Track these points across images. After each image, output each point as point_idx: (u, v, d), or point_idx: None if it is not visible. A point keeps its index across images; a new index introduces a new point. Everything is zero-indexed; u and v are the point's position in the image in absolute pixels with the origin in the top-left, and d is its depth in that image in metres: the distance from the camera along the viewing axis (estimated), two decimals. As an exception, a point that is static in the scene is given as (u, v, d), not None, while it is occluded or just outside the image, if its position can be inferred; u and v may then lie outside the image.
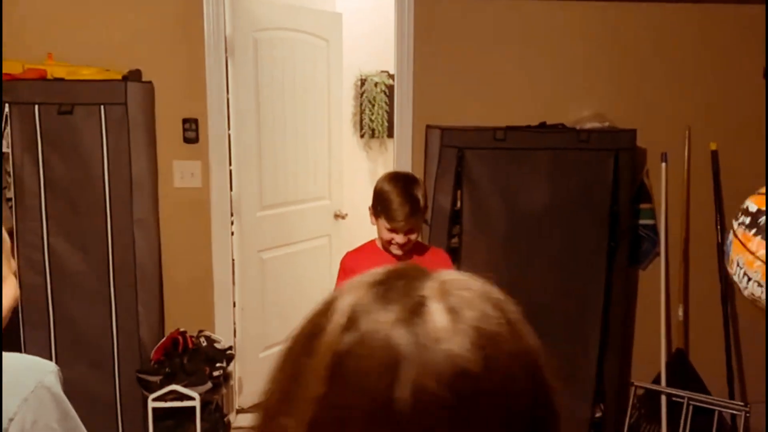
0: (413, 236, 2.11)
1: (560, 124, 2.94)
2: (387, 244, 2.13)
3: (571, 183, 2.80)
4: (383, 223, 2.09)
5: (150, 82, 2.86)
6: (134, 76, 2.72)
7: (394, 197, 2.06)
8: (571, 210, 2.80)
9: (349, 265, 2.19)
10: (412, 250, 2.17)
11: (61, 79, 2.54)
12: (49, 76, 2.56)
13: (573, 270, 2.84)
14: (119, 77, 2.64)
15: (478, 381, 0.43)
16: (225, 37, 2.98)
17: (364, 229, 3.75)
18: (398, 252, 2.13)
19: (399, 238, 2.09)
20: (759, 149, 3.22)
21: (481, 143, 2.77)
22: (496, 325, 0.47)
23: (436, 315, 0.46)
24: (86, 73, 2.59)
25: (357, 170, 4.65)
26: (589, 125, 2.89)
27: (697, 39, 3.13)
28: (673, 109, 3.14)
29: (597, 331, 2.87)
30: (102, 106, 2.50)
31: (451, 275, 0.52)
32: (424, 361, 0.43)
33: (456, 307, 0.47)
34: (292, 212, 3.54)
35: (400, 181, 2.12)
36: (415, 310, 0.46)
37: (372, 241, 2.26)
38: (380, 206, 2.10)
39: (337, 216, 3.78)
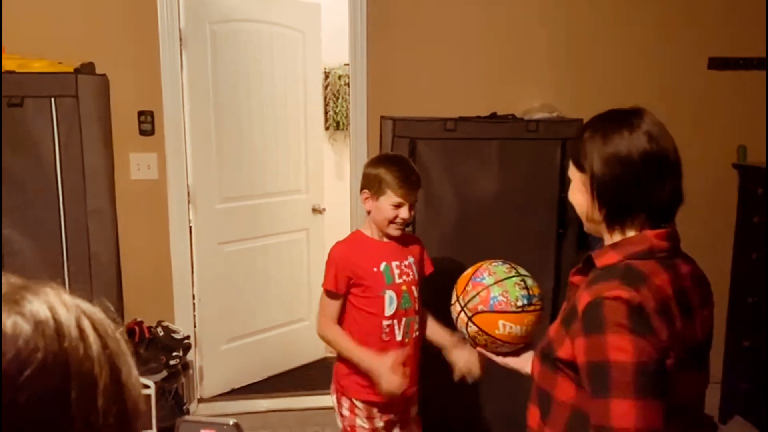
0: (412, 211, 2.13)
1: (510, 114, 3.01)
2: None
3: (521, 171, 2.87)
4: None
5: (104, 75, 2.88)
6: (87, 68, 2.73)
7: (399, 170, 2.06)
8: (520, 198, 2.87)
9: (340, 257, 2.14)
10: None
11: (12, 72, 2.55)
12: None
13: (523, 256, 2.88)
14: (71, 70, 2.65)
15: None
16: (180, 30, 3.01)
17: (340, 222, 3.80)
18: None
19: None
20: (704, 139, 3.32)
21: (432, 134, 2.83)
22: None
23: None
24: (37, 66, 2.60)
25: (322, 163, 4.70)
26: (538, 115, 2.96)
27: (644, 29, 3.22)
28: (621, 99, 3.19)
29: (547, 316, 2.94)
30: (53, 99, 2.52)
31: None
32: None
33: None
34: (262, 205, 3.56)
35: (396, 156, 2.16)
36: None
37: (357, 232, 2.22)
38: (383, 183, 2.06)
39: (315, 210, 3.81)
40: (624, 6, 3.20)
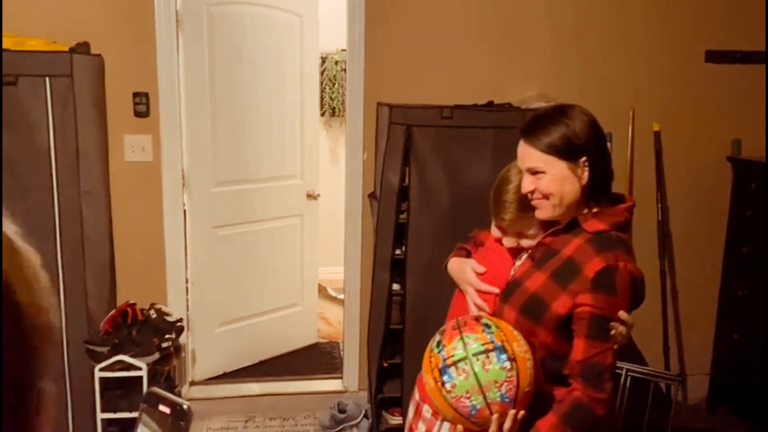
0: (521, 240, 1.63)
1: (507, 103, 3.00)
2: None
3: (515, 160, 2.86)
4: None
5: (99, 55, 2.85)
6: (82, 48, 2.71)
7: (492, 195, 1.70)
8: (515, 187, 2.87)
9: None
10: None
11: (6, 50, 2.52)
12: (-6, 47, 2.54)
13: (516, 245, 2.91)
14: (66, 49, 2.62)
15: None
16: (176, 11, 2.98)
17: (335, 208, 3.79)
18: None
19: (506, 242, 1.66)
20: (699, 130, 3.33)
21: (428, 121, 2.82)
22: None
23: None
24: (32, 45, 2.58)
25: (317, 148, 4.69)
26: (534, 104, 2.95)
27: (642, 21, 3.21)
28: (618, 90, 3.23)
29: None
30: (47, 78, 2.49)
31: None
32: None
33: None
34: (257, 190, 3.55)
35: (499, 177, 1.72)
36: None
37: None
38: None
39: (309, 196, 3.80)
40: (623, -3, 3.19)
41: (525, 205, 1.55)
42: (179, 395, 3.02)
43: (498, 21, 3.13)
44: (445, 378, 1.37)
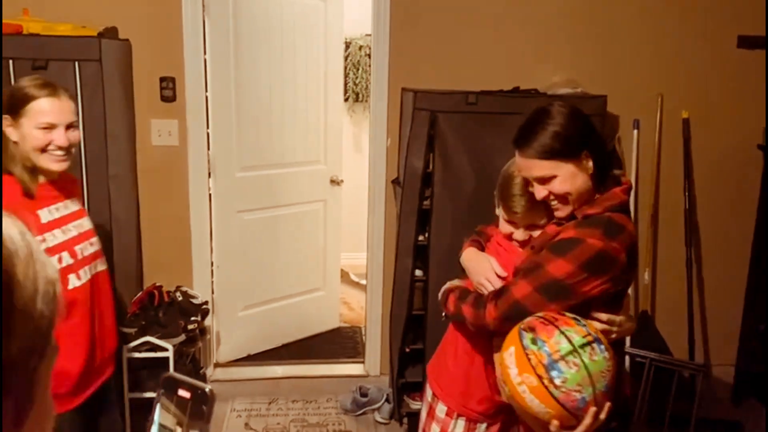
0: (538, 231, 1.64)
1: (533, 89, 2.97)
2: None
3: (541, 147, 2.84)
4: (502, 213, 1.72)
5: (127, 40, 2.88)
6: (110, 33, 2.74)
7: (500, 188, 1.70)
8: (540, 174, 2.85)
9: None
10: None
11: (36, 35, 2.56)
12: (24, 32, 2.58)
13: (540, 233, 2.89)
14: (95, 34, 2.65)
15: None
16: (202, -4, 3.00)
17: (357, 194, 3.79)
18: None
19: (518, 235, 1.66)
20: (730, 118, 3.26)
21: (453, 107, 2.81)
22: None
23: None
24: (62, 29, 2.61)
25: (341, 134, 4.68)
26: (561, 91, 2.92)
27: (672, 6, 3.15)
28: (646, 76, 3.18)
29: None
30: (76, 63, 2.53)
31: None
32: None
33: None
34: (281, 175, 3.57)
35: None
36: None
37: None
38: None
39: (333, 181, 3.82)
40: (653, -19, 3.13)
41: (534, 196, 1.55)
42: (204, 377, 3.07)
43: (524, 5, 3.09)
44: (554, 373, 1.31)
